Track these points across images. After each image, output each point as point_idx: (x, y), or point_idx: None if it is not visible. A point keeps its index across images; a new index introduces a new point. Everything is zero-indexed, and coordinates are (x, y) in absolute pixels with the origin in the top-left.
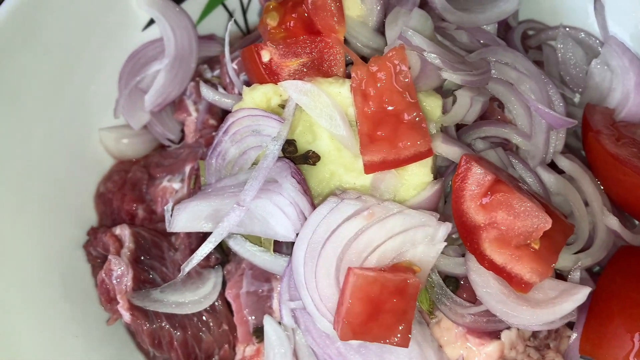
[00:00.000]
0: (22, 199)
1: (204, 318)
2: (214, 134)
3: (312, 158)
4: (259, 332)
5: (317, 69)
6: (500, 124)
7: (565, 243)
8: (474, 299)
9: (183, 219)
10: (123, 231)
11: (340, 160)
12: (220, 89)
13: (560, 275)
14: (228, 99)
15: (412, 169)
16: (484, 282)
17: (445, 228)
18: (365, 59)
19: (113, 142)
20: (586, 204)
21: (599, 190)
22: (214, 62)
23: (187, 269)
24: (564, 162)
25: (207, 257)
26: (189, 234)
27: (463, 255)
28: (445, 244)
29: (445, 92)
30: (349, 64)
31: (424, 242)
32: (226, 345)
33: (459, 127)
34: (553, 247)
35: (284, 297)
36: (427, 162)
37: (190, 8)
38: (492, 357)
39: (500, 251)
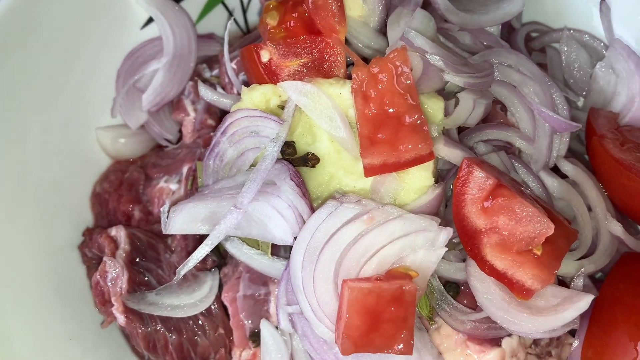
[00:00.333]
0: (17, 198)
1: (199, 321)
2: (212, 134)
3: (311, 160)
4: (255, 337)
5: (317, 70)
6: (503, 127)
7: (569, 249)
8: (474, 305)
9: (179, 221)
10: (118, 232)
11: (340, 162)
12: (219, 89)
13: (563, 282)
14: (227, 99)
15: (413, 172)
16: (484, 288)
17: (446, 233)
18: (366, 60)
19: (110, 142)
20: (589, 209)
21: (603, 196)
22: (213, 61)
23: (182, 272)
24: (567, 167)
25: (204, 260)
26: (185, 236)
27: (464, 261)
28: (446, 249)
29: (447, 94)
30: (349, 64)
31: (425, 247)
32: (222, 350)
33: (460, 129)
34: (556, 253)
35: (282, 301)
36: (429, 166)
37: (190, 7)
38: None
39: (501, 257)
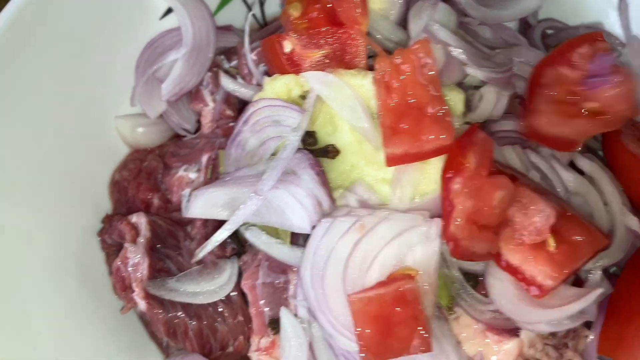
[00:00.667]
0: (37, 185)
1: (219, 308)
2: (231, 124)
3: (331, 152)
4: (274, 324)
5: (339, 61)
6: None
7: (594, 255)
8: None
9: (199, 205)
10: (139, 219)
11: (361, 152)
12: (239, 79)
13: (578, 277)
14: (248, 89)
15: (434, 163)
16: (499, 285)
17: (436, 224)
18: (386, 52)
19: (129, 131)
20: (605, 204)
21: (619, 190)
22: (231, 53)
23: (201, 254)
24: (583, 162)
25: (223, 247)
26: (205, 224)
27: None
28: (440, 239)
29: (465, 87)
30: (370, 56)
31: (421, 242)
32: (241, 337)
33: None
34: (572, 253)
35: (299, 297)
36: None
37: None
38: (510, 354)
39: (515, 250)
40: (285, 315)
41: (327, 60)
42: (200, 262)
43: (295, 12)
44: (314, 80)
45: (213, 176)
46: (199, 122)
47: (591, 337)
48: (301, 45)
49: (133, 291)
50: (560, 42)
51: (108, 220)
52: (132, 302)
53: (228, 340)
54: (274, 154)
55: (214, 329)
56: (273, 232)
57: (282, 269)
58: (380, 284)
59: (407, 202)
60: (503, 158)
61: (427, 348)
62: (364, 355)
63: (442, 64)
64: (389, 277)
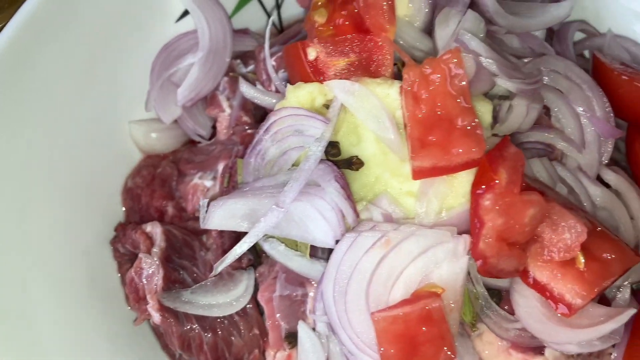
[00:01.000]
0: (48, 190)
1: (235, 321)
2: (249, 131)
3: (355, 164)
4: (291, 338)
5: (364, 69)
6: (544, 128)
7: (623, 273)
8: None
9: (218, 216)
10: (154, 229)
11: (386, 164)
12: (259, 86)
13: (604, 294)
14: (269, 96)
15: (462, 176)
16: (525, 302)
17: (464, 240)
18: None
19: (142, 136)
20: (632, 218)
21: None
22: (247, 57)
23: (219, 268)
24: (610, 176)
25: (240, 259)
26: (221, 234)
27: None
28: (468, 256)
29: (490, 97)
30: (395, 64)
31: (447, 259)
32: (256, 350)
33: None
34: (603, 271)
35: (318, 312)
36: None
37: (225, 0)
38: None
39: (543, 267)
40: (303, 330)
41: (352, 69)
42: None
43: (320, 18)
44: (339, 89)
45: (230, 185)
46: (213, 127)
47: (614, 354)
48: (326, 52)
49: (147, 303)
50: (583, 50)
51: (121, 228)
52: (145, 313)
53: (243, 354)
54: (295, 165)
55: (229, 342)
56: (292, 244)
57: (299, 281)
58: (405, 302)
59: (433, 216)
60: (530, 171)
61: None
62: None
63: (472, 75)
64: (414, 295)
